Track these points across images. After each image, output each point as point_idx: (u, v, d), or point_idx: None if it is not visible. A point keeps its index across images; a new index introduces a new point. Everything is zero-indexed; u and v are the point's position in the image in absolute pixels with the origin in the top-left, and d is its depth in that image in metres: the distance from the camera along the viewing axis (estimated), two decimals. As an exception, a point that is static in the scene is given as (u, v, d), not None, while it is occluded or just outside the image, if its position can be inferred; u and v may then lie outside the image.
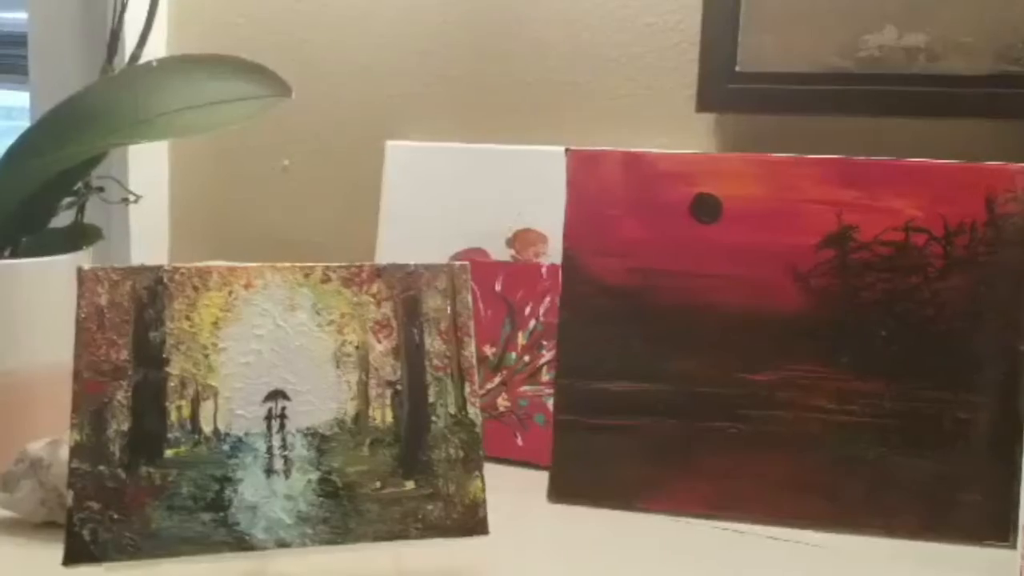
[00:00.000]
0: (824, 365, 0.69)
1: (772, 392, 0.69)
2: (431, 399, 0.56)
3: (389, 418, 0.55)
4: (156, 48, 0.94)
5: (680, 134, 0.82)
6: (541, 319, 0.80)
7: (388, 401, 0.55)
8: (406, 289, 0.57)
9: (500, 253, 0.83)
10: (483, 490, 0.55)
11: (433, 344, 0.56)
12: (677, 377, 0.70)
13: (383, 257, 0.85)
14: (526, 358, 0.80)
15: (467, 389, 0.56)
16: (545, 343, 0.79)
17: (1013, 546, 0.61)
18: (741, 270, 0.70)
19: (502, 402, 0.80)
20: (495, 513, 0.63)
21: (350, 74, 0.93)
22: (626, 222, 0.71)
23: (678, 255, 0.71)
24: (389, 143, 0.88)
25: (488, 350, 0.81)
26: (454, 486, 0.55)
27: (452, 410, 0.56)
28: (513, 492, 0.72)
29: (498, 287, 0.82)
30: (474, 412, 0.56)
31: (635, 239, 0.71)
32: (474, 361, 0.57)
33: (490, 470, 0.77)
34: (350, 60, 0.93)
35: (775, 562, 0.63)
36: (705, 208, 0.71)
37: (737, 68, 0.77)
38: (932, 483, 0.67)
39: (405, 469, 0.54)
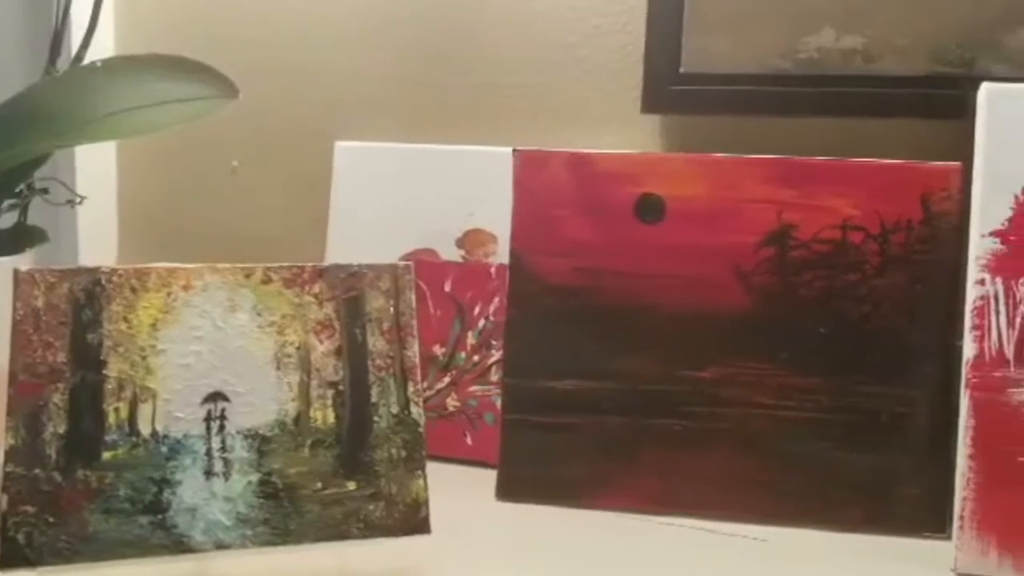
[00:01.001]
0: (766, 362, 0.70)
1: (716, 389, 0.70)
2: (374, 399, 0.56)
3: (331, 419, 0.55)
4: (102, 49, 0.93)
5: (627, 135, 0.83)
6: (490, 319, 0.80)
7: (330, 402, 0.55)
8: (349, 289, 0.57)
9: (450, 253, 0.83)
10: (425, 489, 0.56)
11: (376, 344, 0.56)
12: (623, 375, 0.71)
13: (333, 258, 0.85)
14: (475, 358, 0.80)
15: (410, 389, 0.56)
16: (494, 343, 0.79)
17: (950, 537, 0.63)
18: (685, 269, 0.71)
19: (451, 402, 0.80)
20: (443, 512, 0.63)
21: (299, 74, 0.93)
22: (572, 222, 0.72)
23: (623, 255, 0.71)
24: (338, 143, 0.88)
25: (438, 350, 0.81)
26: (396, 486, 0.55)
27: (395, 410, 0.56)
28: (462, 491, 0.73)
29: (447, 287, 0.82)
30: (417, 412, 0.56)
31: (581, 239, 0.72)
32: (417, 361, 0.57)
33: (440, 470, 0.77)
34: (299, 60, 0.93)
35: (719, 556, 0.64)
36: (649, 208, 0.71)
37: (681, 70, 0.78)
38: (871, 477, 0.68)
39: (347, 469, 0.54)
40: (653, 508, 0.70)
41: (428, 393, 0.81)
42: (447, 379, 0.81)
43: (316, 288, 0.56)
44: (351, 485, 0.54)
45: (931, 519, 0.67)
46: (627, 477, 0.70)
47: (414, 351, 0.57)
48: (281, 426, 0.54)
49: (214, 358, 0.54)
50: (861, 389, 0.69)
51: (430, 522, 0.55)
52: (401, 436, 0.55)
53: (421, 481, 0.55)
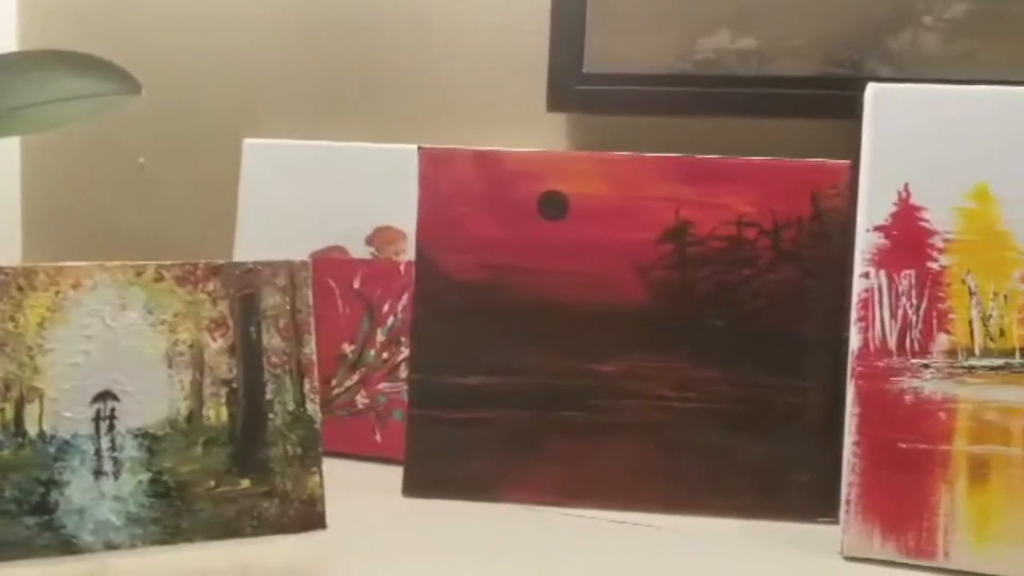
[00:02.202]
0: (666, 355, 0.71)
1: (618, 382, 0.71)
2: (268, 396, 0.56)
3: (224, 417, 0.55)
4: (4, 44, 0.91)
5: (533, 133, 0.84)
6: (399, 316, 0.80)
7: (223, 400, 0.55)
8: (244, 287, 0.57)
9: (360, 251, 0.83)
10: (321, 486, 0.56)
11: (271, 341, 0.57)
12: (528, 370, 0.72)
13: (241, 256, 0.85)
14: (384, 355, 0.81)
15: (306, 386, 0.57)
16: (404, 340, 0.79)
17: (839, 522, 0.65)
18: (587, 265, 0.72)
19: (361, 399, 0.80)
20: (349, 509, 0.64)
21: (207, 71, 0.92)
22: (477, 219, 0.73)
23: (528, 251, 0.72)
24: (246, 141, 0.87)
25: (347, 347, 0.81)
26: (291, 483, 0.55)
27: (290, 407, 0.56)
28: (370, 488, 0.73)
29: (356, 284, 0.82)
30: (313, 408, 0.56)
31: (486, 236, 0.73)
32: (314, 358, 0.57)
33: (349, 467, 0.78)
34: (207, 57, 0.92)
35: (622, 546, 0.65)
36: (552, 205, 0.72)
37: (584, 70, 0.79)
38: (766, 464, 0.70)
39: (240, 467, 0.54)
40: (558, 500, 0.71)
41: (337, 391, 0.81)
42: (356, 376, 0.81)
43: (210, 286, 0.56)
44: (245, 483, 0.54)
45: (823, 505, 0.69)
46: (533, 470, 0.71)
47: (311, 348, 0.57)
48: (173, 425, 0.54)
49: (104, 357, 0.54)
50: (756, 380, 0.71)
51: (325, 518, 0.55)
52: (296, 433, 0.55)
53: (317, 477, 0.55)
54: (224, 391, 0.55)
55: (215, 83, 0.92)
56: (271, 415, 0.55)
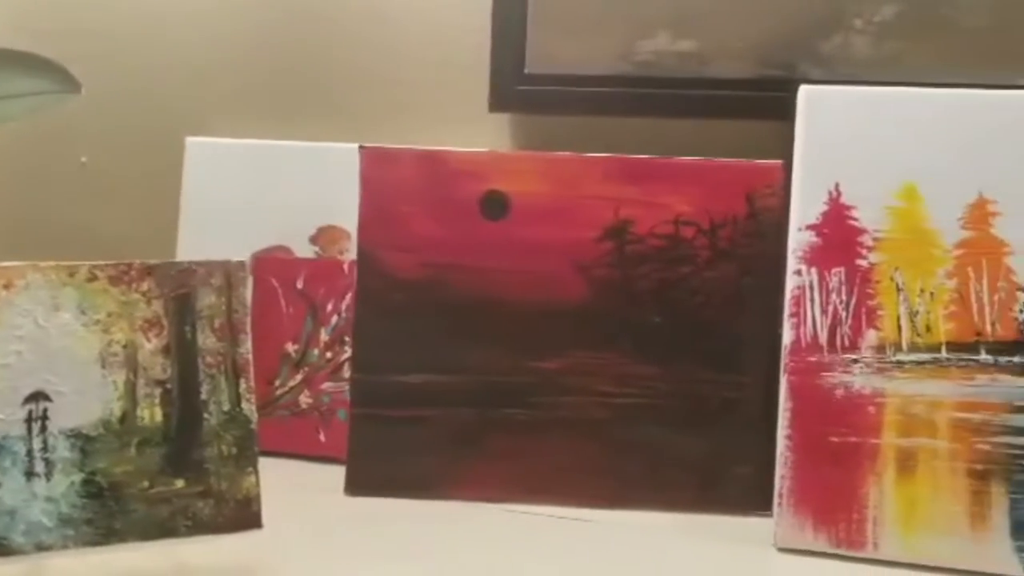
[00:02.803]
0: (606, 351, 0.72)
1: (559, 379, 0.72)
2: (203, 396, 0.56)
3: (158, 417, 0.54)
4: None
5: (477, 133, 0.84)
6: (343, 315, 0.80)
7: (157, 400, 0.55)
8: (179, 286, 0.57)
9: (304, 250, 0.83)
10: (257, 485, 0.56)
11: (207, 341, 0.56)
12: (470, 368, 0.72)
13: (185, 255, 0.84)
14: (328, 354, 0.81)
15: (242, 385, 0.57)
16: (347, 339, 0.79)
17: (775, 515, 0.66)
18: (529, 263, 0.73)
19: (304, 399, 0.80)
20: (291, 509, 0.64)
21: (149, 69, 0.91)
22: (419, 218, 0.73)
23: (469, 250, 0.73)
24: (189, 139, 0.87)
25: (290, 347, 0.81)
26: (226, 483, 0.55)
27: (226, 407, 0.56)
28: (313, 487, 0.73)
29: (300, 284, 0.82)
30: (248, 408, 0.56)
31: (428, 235, 0.73)
32: (250, 358, 0.57)
33: (292, 467, 0.78)
34: (149, 54, 0.91)
35: (563, 541, 0.66)
36: (494, 204, 0.73)
37: (526, 70, 0.80)
38: (705, 459, 0.72)
39: (175, 468, 0.54)
40: (501, 497, 0.71)
41: (281, 391, 0.81)
42: (300, 376, 0.81)
43: (144, 286, 0.56)
44: (179, 483, 0.54)
45: (759, 498, 0.70)
46: (475, 468, 0.72)
47: (247, 348, 0.57)
48: (106, 425, 0.53)
49: (36, 358, 0.53)
50: (695, 376, 0.72)
51: (261, 517, 0.55)
52: (232, 433, 0.55)
53: (252, 477, 0.56)
54: (158, 391, 0.55)
55: (158, 81, 0.91)
56: (206, 415, 0.55)
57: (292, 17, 0.89)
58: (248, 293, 0.59)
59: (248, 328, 0.58)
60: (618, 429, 0.72)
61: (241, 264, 0.59)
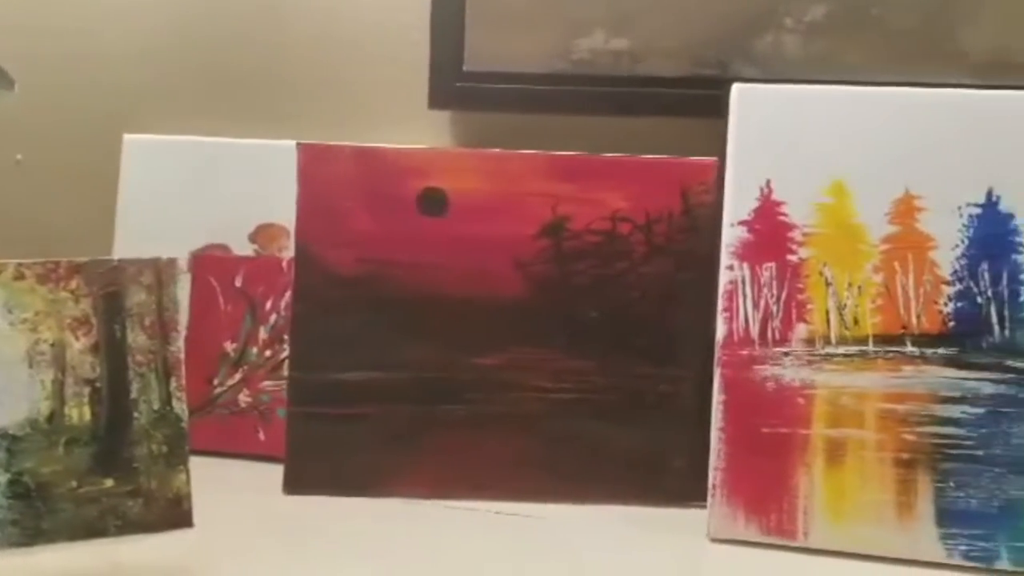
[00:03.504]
0: (543, 347, 0.73)
1: (497, 374, 0.73)
2: (133, 395, 0.55)
3: (87, 416, 0.54)
4: None
5: (417, 130, 0.84)
6: (282, 313, 0.80)
7: (86, 399, 0.54)
8: (108, 284, 0.56)
9: (243, 248, 0.83)
10: (188, 484, 0.55)
11: (136, 340, 0.56)
12: (409, 364, 0.72)
13: (121, 254, 0.83)
14: (267, 353, 0.80)
15: (173, 384, 0.56)
16: (287, 337, 0.79)
17: (711, 506, 0.67)
18: (467, 260, 0.73)
19: (243, 398, 0.80)
20: (228, 508, 0.63)
21: (86, 65, 0.90)
22: (357, 215, 0.73)
23: (408, 246, 0.73)
24: (127, 136, 0.86)
25: (229, 346, 0.81)
26: (156, 481, 0.55)
27: (156, 406, 0.56)
28: (252, 487, 0.73)
29: (239, 282, 0.81)
30: (179, 407, 0.56)
31: (366, 231, 0.73)
32: (181, 356, 0.57)
33: (231, 466, 0.77)
34: (86, 50, 0.90)
35: (502, 536, 0.66)
36: (432, 201, 0.73)
37: (464, 67, 0.80)
38: (642, 452, 0.73)
39: (104, 467, 0.54)
40: (441, 493, 0.72)
41: (219, 390, 0.80)
42: (239, 375, 0.80)
43: (73, 284, 0.55)
44: (108, 482, 0.54)
45: (696, 490, 0.71)
46: (415, 464, 0.72)
47: (178, 346, 0.57)
48: (33, 425, 0.53)
49: (-41, 358, 0.52)
50: (632, 370, 0.73)
51: (192, 516, 0.55)
52: (162, 432, 0.55)
53: (183, 476, 0.55)
54: (87, 390, 0.54)
55: (94, 78, 0.90)
56: (136, 414, 0.55)
57: (231, 14, 0.88)
58: (178, 291, 0.58)
59: (179, 326, 0.57)
60: (556, 424, 0.73)
61: (171, 262, 0.58)
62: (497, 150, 0.74)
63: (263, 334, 0.80)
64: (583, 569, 0.62)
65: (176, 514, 0.55)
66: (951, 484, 0.63)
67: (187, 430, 0.56)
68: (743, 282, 0.68)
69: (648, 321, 0.73)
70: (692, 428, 0.72)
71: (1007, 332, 0.64)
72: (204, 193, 0.83)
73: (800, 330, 0.66)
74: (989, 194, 0.65)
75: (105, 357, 0.55)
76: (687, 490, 0.72)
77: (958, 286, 0.65)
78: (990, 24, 0.74)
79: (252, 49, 0.88)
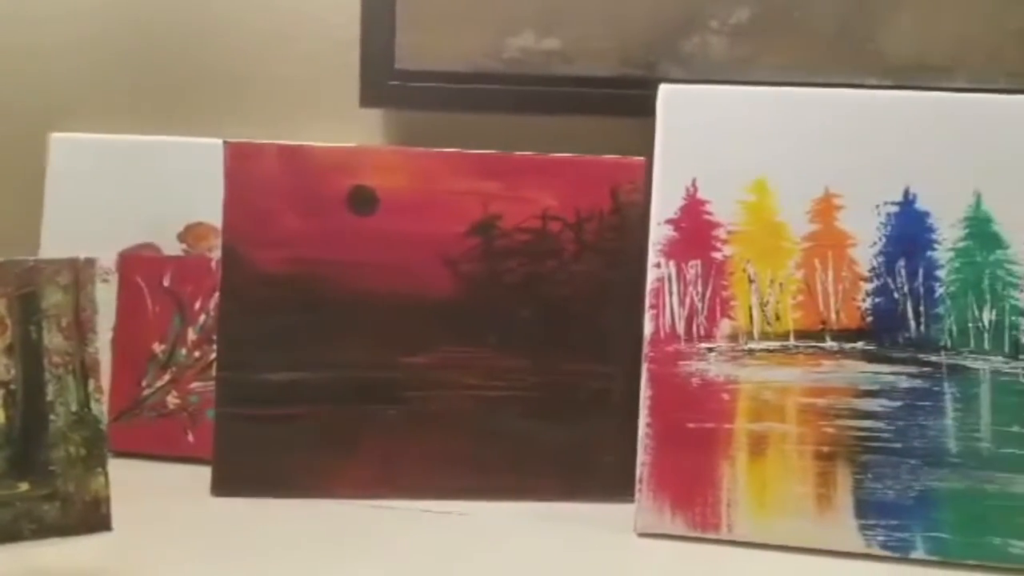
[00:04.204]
0: (474, 345, 0.73)
1: (429, 373, 0.73)
2: (50, 397, 0.54)
3: (1, 419, 0.53)
4: None
5: (350, 128, 0.84)
6: (211, 313, 0.79)
7: (0, 402, 0.53)
8: (23, 285, 0.55)
9: (172, 247, 0.82)
10: (107, 487, 0.55)
11: (53, 341, 0.55)
12: (339, 364, 0.72)
13: (48, 254, 0.82)
14: (196, 353, 0.79)
15: (91, 386, 0.55)
16: (216, 337, 0.78)
17: (641, 501, 0.68)
18: (397, 258, 0.73)
19: (172, 399, 0.79)
20: (156, 510, 0.62)
21: (11, 63, 0.88)
22: (285, 214, 0.73)
23: (337, 245, 0.73)
24: (53, 135, 0.84)
25: (157, 347, 0.79)
26: (74, 485, 0.54)
27: (74, 408, 0.55)
28: (180, 489, 0.72)
29: (167, 282, 0.80)
30: (98, 409, 0.55)
31: (295, 230, 0.72)
32: (99, 357, 0.56)
33: (160, 468, 0.76)
34: (11, 49, 0.88)
35: (431, 535, 0.66)
36: (361, 200, 0.73)
37: (396, 66, 0.80)
38: (573, 448, 0.73)
39: (19, 470, 0.53)
40: (370, 493, 0.71)
41: (148, 392, 0.79)
42: (167, 376, 0.79)
43: (-14, 284, 0.54)
44: (24, 486, 0.53)
45: (625, 485, 0.72)
46: (344, 465, 0.72)
47: (96, 347, 0.56)
48: (-57, 429, 0.52)
49: None
50: (563, 367, 0.73)
51: (111, 519, 0.54)
52: (80, 434, 0.54)
53: (102, 479, 0.54)
54: (1, 393, 0.53)
55: (20, 77, 0.88)
56: (52, 416, 0.54)
57: (159, 11, 0.87)
58: (104, 291, 0.57)
59: (96, 327, 0.56)
60: (487, 422, 0.73)
61: (90, 262, 0.57)
62: (427, 148, 0.74)
63: (192, 335, 0.79)
64: (510, 566, 0.62)
65: (94, 518, 0.54)
66: (869, 476, 0.64)
67: (106, 432, 0.55)
68: (670, 279, 0.68)
69: (578, 318, 0.74)
70: (622, 424, 0.73)
71: (922, 327, 0.66)
72: (132, 192, 0.82)
73: (724, 326, 0.68)
74: (906, 193, 0.67)
75: (20, 359, 0.54)
76: (617, 485, 0.72)
77: (876, 282, 0.66)
78: (907, 27, 0.76)
79: (183, 47, 0.87)
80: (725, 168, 0.69)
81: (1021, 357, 0.64)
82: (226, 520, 0.67)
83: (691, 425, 0.67)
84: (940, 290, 0.66)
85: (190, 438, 0.78)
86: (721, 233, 0.68)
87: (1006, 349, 0.65)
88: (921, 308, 0.66)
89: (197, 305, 0.80)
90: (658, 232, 0.69)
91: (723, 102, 0.69)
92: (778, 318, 0.67)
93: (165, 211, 0.81)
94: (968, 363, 0.65)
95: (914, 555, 0.63)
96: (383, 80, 0.80)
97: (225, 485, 0.71)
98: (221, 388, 0.72)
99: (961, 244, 0.66)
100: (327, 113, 0.85)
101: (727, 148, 0.69)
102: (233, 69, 0.87)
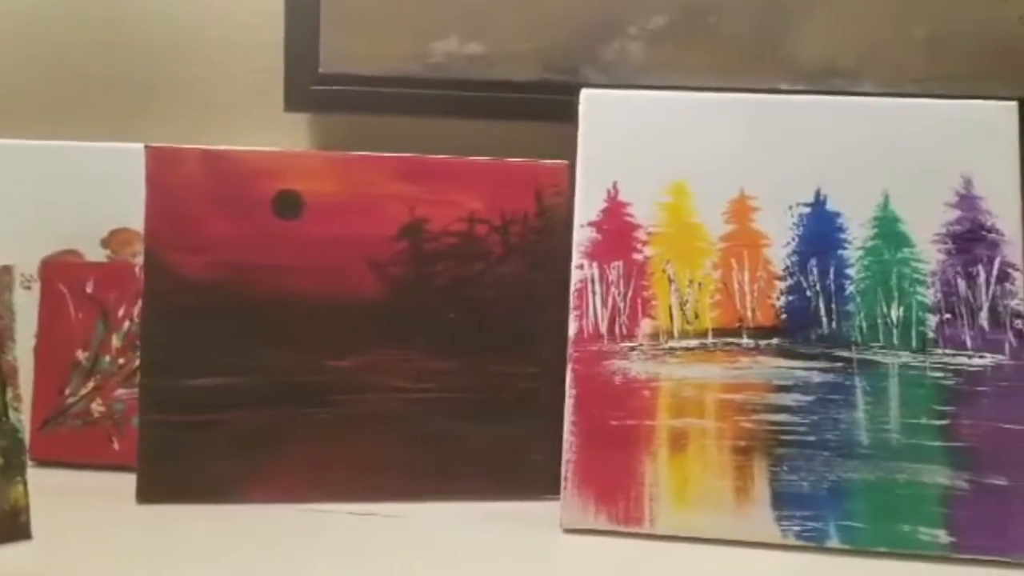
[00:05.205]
0: (403, 348, 0.74)
1: (357, 376, 0.73)
2: (-35, 406, 0.53)
3: (-87, 429, 0.52)
4: None
5: (275, 132, 0.84)
6: (136, 320, 0.78)
7: (-89, 412, 0.52)
8: (-64, 293, 0.54)
9: (96, 254, 0.81)
10: (26, 496, 0.54)
11: (-33, 349, 0.54)
12: (265, 369, 0.72)
13: (-35, 262, 0.80)
14: (121, 360, 0.79)
15: (9, 394, 0.55)
16: (139, 344, 0.77)
17: (568, 498, 0.69)
18: (324, 262, 0.73)
19: (97, 407, 0.78)
20: (80, 519, 0.62)
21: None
22: (209, 219, 0.72)
23: (263, 249, 0.73)
24: (-30, 140, 0.83)
25: (81, 355, 0.79)
26: (-10, 494, 0.53)
27: (-10, 416, 0.54)
28: (105, 497, 0.71)
29: (90, 289, 0.79)
30: (16, 417, 0.55)
31: (219, 235, 0.72)
32: (17, 365, 0.55)
33: (85, 477, 0.76)
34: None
35: (357, 537, 0.67)
36: (286, 204, 0.73)
37: (320, 70, 0.80)
38: (501, 448, 0.74)
39: (-68, 482, 0.52)
40: (299, 497, 0.71)
41: (72, 400, 0.78)
42: (91, 384, 0.78)
43: None
44: (-63, 498, 0.52)
45: (553, 483, 0.73)
46: (272, 470, 0.72)
47: (14, 355, 0.55)
48: None
49: None
50: (490, 368, 0.74)
51: (30, 528, 0.54)
52: (-3, 443, 0.53)
53: (21, 487, 0.54)
54: (-87, 403, 0.52)
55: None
56: (-32, 426, 0.53)
57: (79, 15, 0.86)
58: (12, 297, 0.57)
59: (14, 334, 0.56)
60: (416, 424, 0.73)
61: (7, 269, 0.57)
62: (352, 152, 0.75)
63: (116, 341, 0.79)
64: (436, 566, 0.63)
65: (13, 527, 0.53)
66: (784, 468, 0.67)
67: (25, 441, 0.55)
68: (592, 280, 0.70)
69: (505, 320, 0.75)
70: (549, 423, 0.74)
71: (834, 324, 0.68)
72: (55, 198, 0.81)
73: (646, 325, 0.69)
74: (817, 194, 0.69)
75: (-68, 368, 0.53)
76: (545, 483, 0.73)
77: (789, 281, 0.69)
78: (817, 33, 0.79)
79: (107, 50, 0.86)
80: (645, 171, 0.70)
81: (927, 351, 0.67)
82: (151, 528, 0.67)
83: (614, 423, 0.68)
84: (850, 288, 0.68)
85: (115, 446, 0.77)
86: (642, 235, 0.70)
87: (913, 344, 0.67)
88: (832, 305, 0.68)
89: (121, 312, 0.79)
90: (581, 234, 0.70)
91: (642, 106, 0.71)
92: (697, 317, 0.69)
93: (88, 217, 0.81)
94: (877, 358, 0.67)
95: (828, 544, 0.66)
96: (307, 84, 0.81)
97: (150, 492, 0.70)
98: (145, 395, 0.71)
99: (870, 243, 0.69)
100: (252, 117, 0.85)
101: (647, 151, 0.71)
102: (157, 73, 0.86)
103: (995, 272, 0.68)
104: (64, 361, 0.78)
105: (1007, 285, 0.67)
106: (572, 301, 0.70)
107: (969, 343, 0.67)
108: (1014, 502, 0.64)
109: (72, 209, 0.81)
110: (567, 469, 0.68)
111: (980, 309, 0.67)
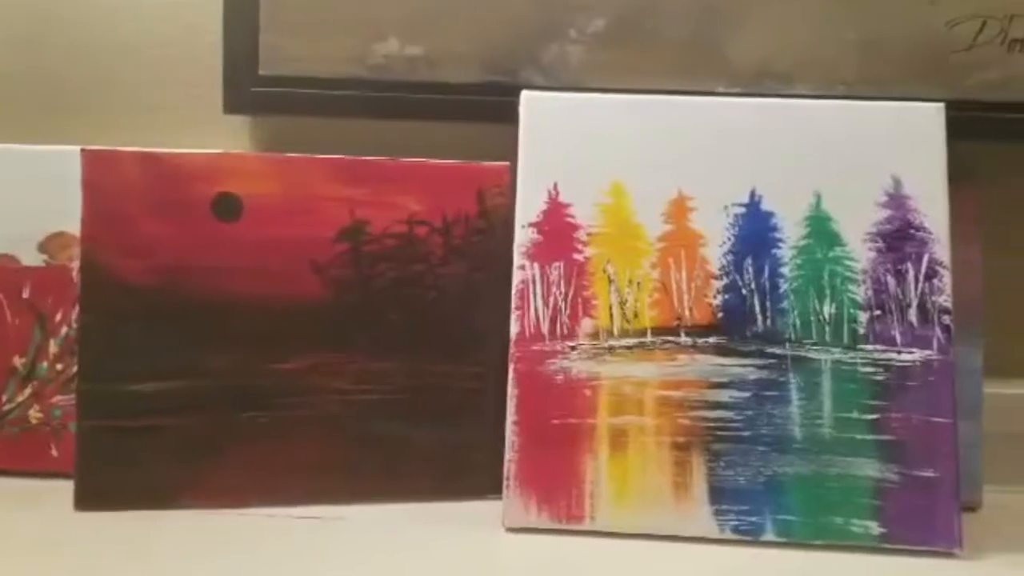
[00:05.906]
0: (345, 350, 0.74)
1: (299, 379, 0.73)
2: None
3: None
4: None
5: (215, 134, 0.83)
6: (74, 325, 0.77)
7: None
8: None
9: (32, 258, 0.79)
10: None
11: None
12: (206, 372, 0.72)
13: None
14: (58, 366, 0.77)
15: (-63, 402, 0.54)
16: (77, 349, 0.76)
17: (511, 497, 0.70)
18: (264, 265, 0.73)
19: (34, 414, 0.77)
20: (16, 527, 0.61)
21: None
22: (147, 222, 0.72)
23: (202, 252, 0.72)
24: (-100, 144, 0.81)
25: (17, 361, 0.77)
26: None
27: (-83, 425, 0.53)
28: (43, 505, 0.70)
29: (26, 294, 0.78)
30: (-56, 425, 0.54)
31: (157, 238, 0.72)
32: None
33: (23, 484, 0.74)
34: None
35: (298, 540, 0.66)
36: (226, 206, 0.73)
37: (260, 72, 0.80)
38: (445, 449, 0.75)
39: None
40: (241, 501, 0.71)
41: (8, 407, 0.77)
42: (28, 391, 0.77)
43: None
44: None
45: (497, 482, 0.73)
46: (214, 474, 0.71)
47: (-58, 362, 0.54)
48: None
49: None
50: (433, 369, 0.75)
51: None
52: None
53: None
54: None
55: None
56: None
57: (12, 16, 0.84)
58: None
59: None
60: (359, 426, 0.74)
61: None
62: (291, 154, 0.74)
63: (53, 347, 0.78)
64: (379, 567, 0.63)
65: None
66: (721, 464, 0.68)
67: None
68: (534, 281, 0.71)
69: (447, 321, 0.75)
70: (492, 423, 0.74)
71: (768, 321, 0.69)
72: (-13, 201, 0.80)
73: (586, 325, 0.70)
74: (752, 194, 0.71)
75: None
76: (489, 483, 0.74)
77: (725, 280, 0.70)
78: (753, 36, 0.80)
79: (45, 50, 0.85)
80: (585, 172, 0.71)
81: (859, 348, 0.69)
82: (89, 535, 0.66)
83: (556, 421, 0.69)
84: (784, 286, 0.70)
85: (54, 452, 0.76)
86: (582, 235, 0.71)
87: (845, 340, 0.69)
88: (767, 303, 0.70)
89: (58, 317, 0.78)
90: (522, 235, 0.71)
91: (582, 108, 0.72)
92: (636, 316, 0.70)
93: (24, 221, 0.79)
94: (811, 354, 0.69)
95: (764, 538, 0.67)
96: (246, 86, 0.80)
97: (88, 499, 0.69)
98: (83, 401, 0.70)
99: (803, 242, 0.70)
100: (191, 119, 0.84)
101: (586, 153, 0.72)
102: (94, 76, 0.85)
103: (924, 270, 0.69)
104: (0, 368, 0.77)
105: (935, 282, 0.69)
106: (514, 301, 0.70)
107: (899, 339, 0.69)
108: (941, 494, 0.66)
109: (8, 213, 0.79)
110: (509, 468, 0.69)
111: (909, 306, 0.69)
